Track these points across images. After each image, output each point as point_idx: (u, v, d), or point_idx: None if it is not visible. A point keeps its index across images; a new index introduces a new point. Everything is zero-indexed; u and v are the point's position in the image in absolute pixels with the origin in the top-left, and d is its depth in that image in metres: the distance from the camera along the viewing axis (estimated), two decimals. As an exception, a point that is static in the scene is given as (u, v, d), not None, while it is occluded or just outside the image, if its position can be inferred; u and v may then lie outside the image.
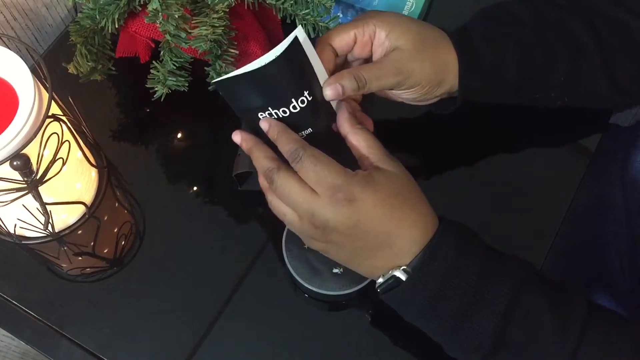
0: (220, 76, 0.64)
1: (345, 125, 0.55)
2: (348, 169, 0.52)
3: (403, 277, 0.52)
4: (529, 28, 0.63)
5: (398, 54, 0.58)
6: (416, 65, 0.58)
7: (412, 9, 0.82)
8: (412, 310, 0.54)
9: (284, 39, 0.51)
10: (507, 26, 0.63)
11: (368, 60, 0.62)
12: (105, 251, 0.69)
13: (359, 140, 0.54)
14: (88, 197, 0.70)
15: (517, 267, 0.54)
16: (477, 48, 0.61)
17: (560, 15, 0.64)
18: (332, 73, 0.57)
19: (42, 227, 0.65)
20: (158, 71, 0.64)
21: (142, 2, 0.65)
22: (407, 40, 0.58)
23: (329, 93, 0.55)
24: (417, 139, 0.76)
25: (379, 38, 0.59)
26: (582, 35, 0.63)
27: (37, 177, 0.58)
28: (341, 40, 0.59)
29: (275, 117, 0.54)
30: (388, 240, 0.52)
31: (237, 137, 0.56)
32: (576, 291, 0.54)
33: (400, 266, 0.53)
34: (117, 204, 0.72)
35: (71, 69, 0.68)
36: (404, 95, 0.61)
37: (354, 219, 0.51)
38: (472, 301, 0.52)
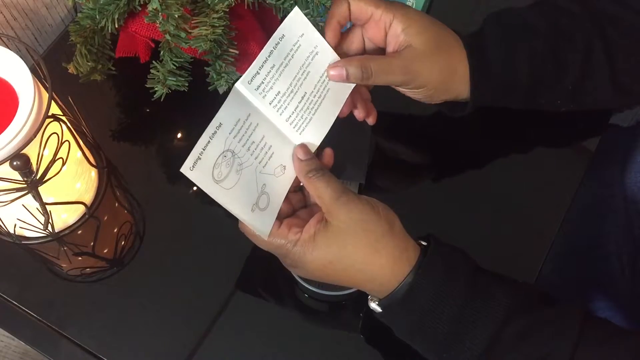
0: (221, 76, 0.64)
1: (300, 176, 0.55)
2: (292, 235, 0.53)
3: (378, 309, 0.54)
4: (543, 40, 0.62)
5: (410, 53, 0.57)
6: (425, 68, 0.58)
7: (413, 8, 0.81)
8: (395, 331, 0.56)
9: None
10: (522, 38, 0.62)
11: (380, 49, 0.61)
12: (105, 251, 0.69)
13: (311, 189, 0.54)
14: (88, 197, 0.70)
15: (496, 311, 0.52)
16: (490, 59, 0.61)
17: (574, 24, 0.63)
18: (336, 43, 0.57)
19: (42, 227, 0.65)
20: (158, 71, 0.64)
21: (142, 2, 0.65)
22: (422, 40, 0.57)
23: (332, 73, 0.55)
24: (418, 137, 0.76)
25: (394, 30, 0.58)
26: (594, 45, 0.62)
27: (37, 177, 0.58)
28: (357, 6, 0.57)
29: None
30: (355, 285, 0.55)
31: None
32: (569, 307, 0.53)
33: (376, 298, 0.54)
34: (117, 204, 0.72)
35: (71, 69, 0.68)
36: (408, 94, 0.61)
37: (309, 275, 0.54)
38: (449, 342, 0.52)
